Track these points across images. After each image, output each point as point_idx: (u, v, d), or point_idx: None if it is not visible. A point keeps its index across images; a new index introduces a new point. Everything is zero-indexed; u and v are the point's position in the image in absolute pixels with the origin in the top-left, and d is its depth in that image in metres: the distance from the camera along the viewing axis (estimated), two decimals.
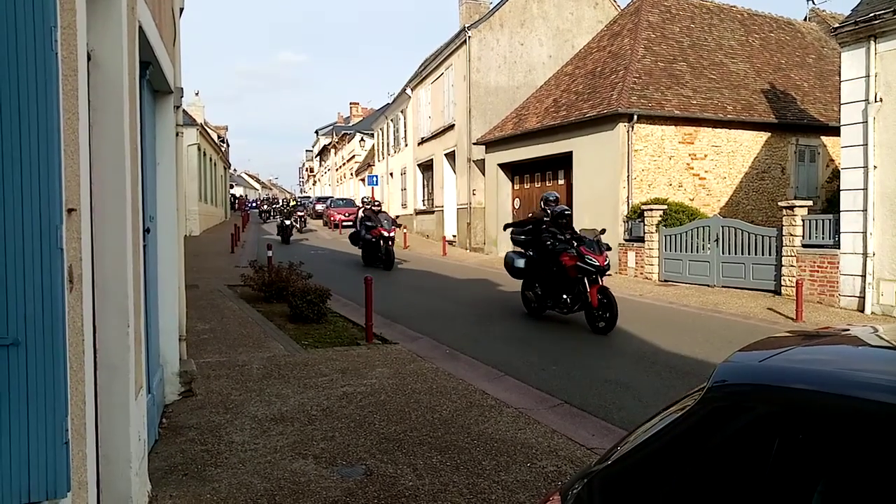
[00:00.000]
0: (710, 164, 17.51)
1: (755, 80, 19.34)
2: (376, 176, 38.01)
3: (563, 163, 18.72)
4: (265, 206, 49.10)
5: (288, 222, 25.58)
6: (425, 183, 31.09)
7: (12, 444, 2.12)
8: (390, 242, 17.27)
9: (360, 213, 19.64)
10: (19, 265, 2.11)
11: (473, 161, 23.82)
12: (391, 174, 37.83)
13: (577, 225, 17.79)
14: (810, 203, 13.26)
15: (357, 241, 18.79)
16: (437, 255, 22.30)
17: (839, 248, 11.65)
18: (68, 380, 2.26)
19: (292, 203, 42.14)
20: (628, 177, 16.33)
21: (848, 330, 2.18)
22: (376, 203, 19.53)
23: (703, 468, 1.59)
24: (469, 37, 23.74)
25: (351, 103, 70.04)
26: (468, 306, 11.81)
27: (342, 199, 43.43)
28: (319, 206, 44.70)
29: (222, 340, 8.38)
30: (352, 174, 54.79)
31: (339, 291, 11.79)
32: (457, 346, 8.41)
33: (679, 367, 7.37)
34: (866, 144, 11.04)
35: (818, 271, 12.00)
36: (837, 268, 11.66)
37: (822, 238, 12.12)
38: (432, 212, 29.05)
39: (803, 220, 12.47)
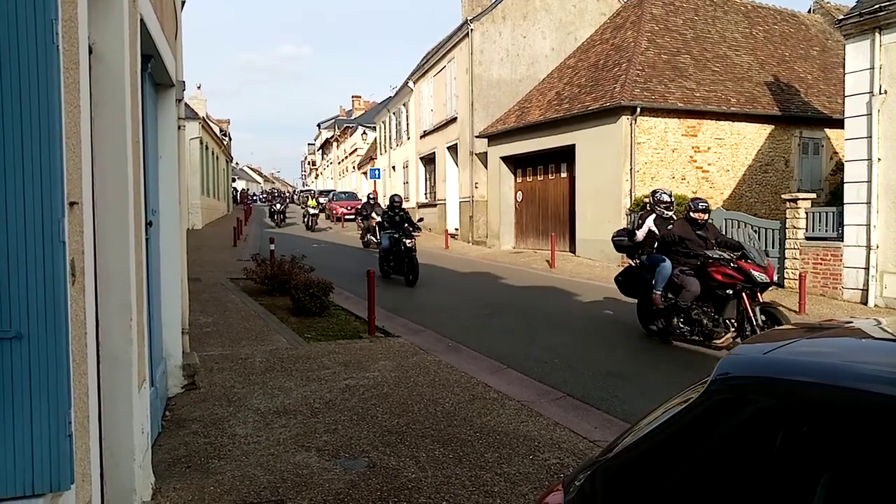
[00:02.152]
0: (714, 157, 17.46)
1: (759, 72, 19.26)
2: (378, 169, 38.00)
3: (566, 156, 18.68)
4: (277, 205, 33.69)
5: (409, 242, 13.29)
6: (427, 176, 31.05)
7: (16, 436, 2.13)
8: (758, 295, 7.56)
9: (669, 223, 8.56)
10: (21, 258, 2.11)
11: (476, 154, 23.78)
12: (393, 167, 37.79)
13: (580, 218, 17.87)
14: (814, 196, 13.22)
15: (634, 288, 8.71)
16: (440, 249, 22.30)
17: (842, 241, 11.62)
18: (71, 373, 2.27)
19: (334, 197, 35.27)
20: (631, 169, 16.29)
21: (851, 322, 2.18)
22: (701, 204, 8.20)
23: (707, 461, 1.59)
24: (471, 29, 23.65)
25: (353, 96, 70.03)
26: (470, 299, 11.81)
27: (344, 193, 43.45)
28: (322, 199, 44.74)
29: (225, 334, 8.39)
30: (354, 167, 54.78)
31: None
32: (459, 339, 8.42)
33: (681, 359, 7.36)
34: (870, 137, 10.99)
35: (821, 264, 11.98)
36: (841, 260, 11.64)
37: (826, 231, 12.09)
38: (434, 205, 29.02)
39: (807, 213, 12.43)
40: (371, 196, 22.70)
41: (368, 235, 20.72)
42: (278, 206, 33.70)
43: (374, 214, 19.93)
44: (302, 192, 62.68)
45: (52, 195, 2.15)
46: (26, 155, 2.11)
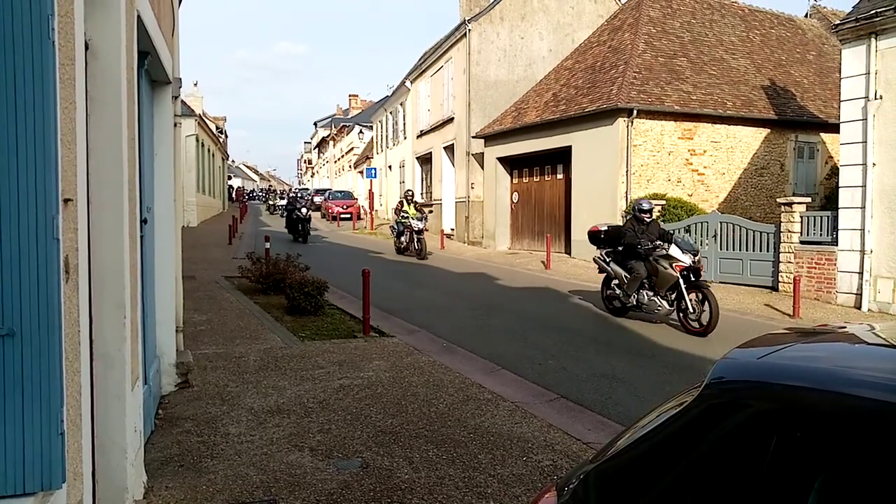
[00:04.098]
0: (709, 160, 17.50)
1: (755, 76, 19.31)
2: (375, 168, 37.96)
3: (562, 157, 18.70)
4: (302, 209, 22.45)
5: None
6: (424, 176, 31.05)
7: (7, 434, 2.12)
8: None
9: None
10: (15, 255, 2.10)
11: (472, 154, 23.79)
12: (390, 167, 37.77)
13: (575, 220, 17.90)
14: (809, 200, 13.27)
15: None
16: (436, 249, 22.28)
17: (837, 245, 11.65)
18: (64, 371, 2.26)
19: None
20: (627, 172, 16.32)
21: (845, 327, 2.18)
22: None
23: (700, 465, 1.59)
24: (469, 30, 23.66)
25: (350, 95, 70.04)
26: (465, 300, 11.80)
27: (340, 192, 43.42)
28: (318, 199, 44.68)
29: (219, 332, 8.37)
30: (350, 166, 54.71)
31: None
32: (454, 339, 8.41)
33: (676, 362, 7.37)
34: (865, 142, 11.03)
35: (816, 268, 12.02)
36: (835, 265, 11.67)
37: (820, 235, 12.13)
38: (430, 205, 29.02)
39: (801, 217, 12.47)
40: (642, 205, 9.93)
41: (643, 293, 9.61)
42: (303, 211, 22.24)
43: (665, 246, 9.28)
44: (301, 189, 61.05)
45: (47, 192, 2.14)
46: (21, 151, 2.10)
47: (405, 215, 19.21)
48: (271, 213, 43.87)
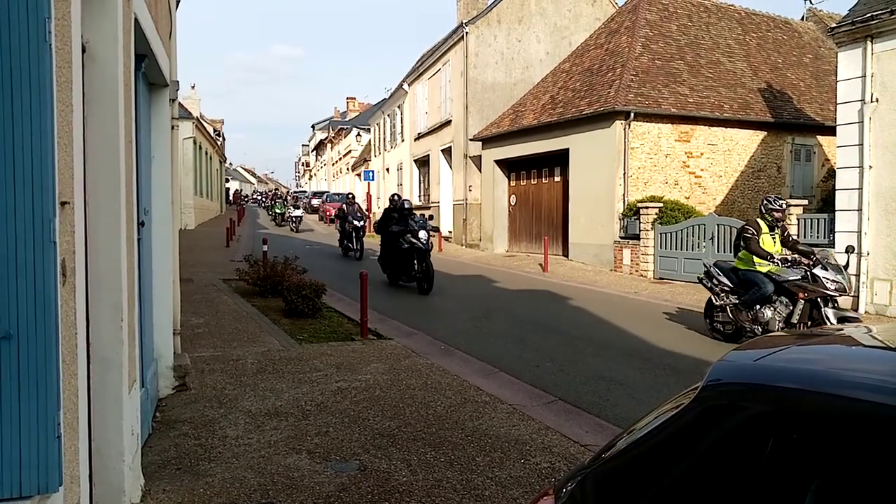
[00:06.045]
0: (706, 163, 17.53)
1: (752, 78, 19.36)
2: (372, 171, 37.98)
3: (560, 160, 18.73)
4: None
5: None
6: (421, 179, 31.07)
7: (4, 437, 2.11)
8: None
9: None
10: (11, 258, 2.10)
11: (470, 157, 23.81)
12: (387, 169, 37.78)
13: (573, 222, 17.92)
14: (805, 202, 13.32)
15: None
16: (433, 251, 22.27)
17: (834, 248, 11.66)
18: (61, 374, 2.25)
19: None
20: (624, 174, 16.35)
21: (842, 330, 2.19)
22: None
23: (697, 467, 1.59)
24: (466, 33, 23.70)
25: (347, 98, 69.96)
26: (463, 302, 11.80)
27: (338, 194, 43.43)
28: (315, 201, 44.73)
29: (217, 335, 8.36)
30: (348, 169, 54.73)
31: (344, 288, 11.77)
32: (451, 341, 8.41)
33: (673, 364, 7.38)
34: (862, 144, 11.06)
35: None
36: None
37: (817, 237, 12.14)
38: (428, 207, 29.02)
39: (798, 220, 12.50)
40: None
41: None
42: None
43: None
44: (306, 193, 51.31)
45: (44, 195, 2.14)
46: (17, 154, 2.09)
47: (774, 259, 8.13)
48: (278, 224, 32.83)
